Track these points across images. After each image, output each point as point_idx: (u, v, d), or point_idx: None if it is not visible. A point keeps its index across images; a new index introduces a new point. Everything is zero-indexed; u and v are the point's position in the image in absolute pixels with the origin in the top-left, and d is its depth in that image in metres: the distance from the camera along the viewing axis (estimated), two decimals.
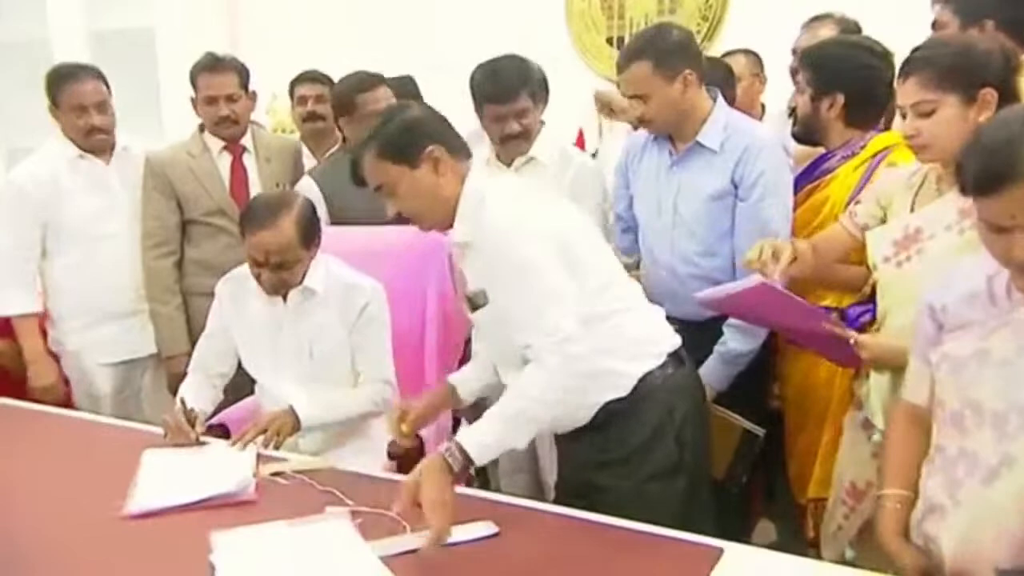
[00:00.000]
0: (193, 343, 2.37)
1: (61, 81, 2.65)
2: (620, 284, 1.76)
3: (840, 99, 2.03)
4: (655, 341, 1.77)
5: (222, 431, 2.23)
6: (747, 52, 3.08)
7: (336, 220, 2.64)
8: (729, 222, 2.13)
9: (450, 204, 1.66)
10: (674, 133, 2.20)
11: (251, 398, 2.34)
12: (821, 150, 2.17)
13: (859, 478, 1.81)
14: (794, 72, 2.43)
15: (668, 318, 1.84)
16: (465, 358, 2.64)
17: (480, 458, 1.52)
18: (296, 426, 2.02)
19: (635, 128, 2.60)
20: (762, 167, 2.08)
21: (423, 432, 2.22)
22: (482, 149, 2.68)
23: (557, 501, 1.79)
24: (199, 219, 2.71)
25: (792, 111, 2.18)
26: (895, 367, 1.68)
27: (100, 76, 2.70)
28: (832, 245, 1.88)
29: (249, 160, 2.77)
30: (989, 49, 1.60)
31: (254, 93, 2.81)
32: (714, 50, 3.44)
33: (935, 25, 2.06)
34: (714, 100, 2.16)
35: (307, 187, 2.66)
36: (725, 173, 2.11)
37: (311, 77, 3.29)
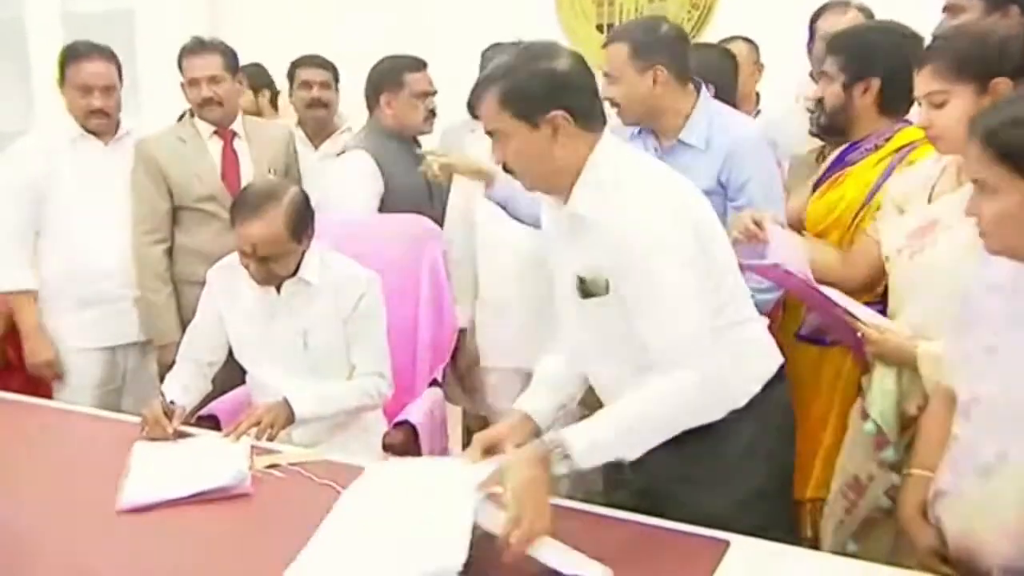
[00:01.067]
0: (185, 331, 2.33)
1: (71, 58, 2.62)
2: (745, 291, 1.62)
3: (875, 84, 1.95)
4: (771, 356, 1.67)
5: (212, 422, 2.19)
6: (745, 40, 3.06)
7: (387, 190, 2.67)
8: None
9: (563, 173, 1.49)
10: (654, 127, 2.18)
11: (242, 388, 2.30)
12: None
13: (861, 471, 1.79)
14: (818, 60, 2.37)
15: None
16: (457, 350, 2.63)
17: (584, 462, 1.39)
18: (290, 418, 1.99)
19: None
20: (749, 172, 2.06)
21: (416, 422, 2.21)
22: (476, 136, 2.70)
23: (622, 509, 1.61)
24: (190, 205, 2.65)
25: (818, 102, 2.10)
26: (900, 364, 1.67)
27: (112, 58, 2.67)
28: (864, 256, 1.85)
29: (240, 145, 2.72)
30: (1006, 37, 1.57)
31: (242, 77, 2.76)
32: (704, 39, 3.42)
33: (950, 8, 2.03)
34: (697, 93, 2.13)
35: (360, 158, 2.67)
36: (711, 173, 2.08)
37: (316, 62, 3.23)
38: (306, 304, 2.10)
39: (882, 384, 1.71)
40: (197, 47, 2.65)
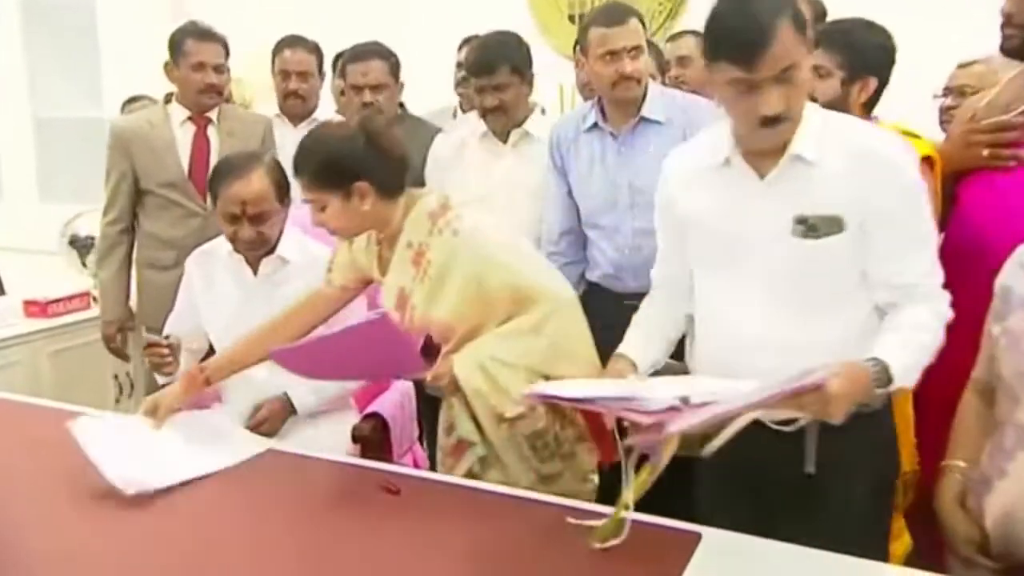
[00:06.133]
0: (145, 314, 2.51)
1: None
2: None
3: (872, 83, 1.99)
4: None
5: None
6: (697, 33, 3.06)
7: None
8: None
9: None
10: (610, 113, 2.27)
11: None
12: None
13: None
14: None
15: (632, 294, 1.89)
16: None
17: (901, 380, 1.38)
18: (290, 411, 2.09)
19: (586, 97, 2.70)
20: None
21: (386, 413, 2.19)
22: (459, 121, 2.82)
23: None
24: (153, 190, 2.69)
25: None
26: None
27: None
28: None
29: (213, 132, 2.72)
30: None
31: (230, 69, 2.77)
32: (676, 30, 3.43)
33: None
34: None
35: None
36: (676, 141, 2.15)
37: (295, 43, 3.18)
38: (283, 284, 2.10)
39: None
40: (203, 32, 2.66)
